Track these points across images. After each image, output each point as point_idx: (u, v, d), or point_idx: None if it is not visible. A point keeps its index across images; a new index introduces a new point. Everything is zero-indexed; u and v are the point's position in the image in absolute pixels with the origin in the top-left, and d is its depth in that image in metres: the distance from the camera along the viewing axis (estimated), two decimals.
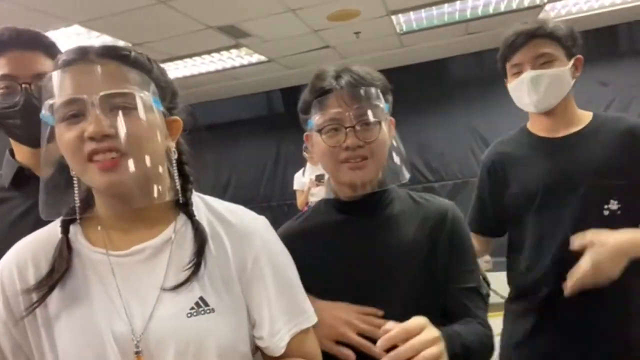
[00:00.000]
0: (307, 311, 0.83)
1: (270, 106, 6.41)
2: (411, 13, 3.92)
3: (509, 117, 5.62)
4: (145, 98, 0.72)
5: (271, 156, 6.27)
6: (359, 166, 0.95)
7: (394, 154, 1.00)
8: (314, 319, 0.83)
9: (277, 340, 0.78)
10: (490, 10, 4.08)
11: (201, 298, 0.74)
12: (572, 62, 1.32)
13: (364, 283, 0.97)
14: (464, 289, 0.99)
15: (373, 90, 0.96)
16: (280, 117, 6.36)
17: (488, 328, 0.99)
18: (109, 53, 0.72)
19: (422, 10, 3.87)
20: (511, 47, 1.32)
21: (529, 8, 4.13)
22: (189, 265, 0.74)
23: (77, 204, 0.74)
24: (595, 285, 1.12)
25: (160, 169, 0.74)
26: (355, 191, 0.99)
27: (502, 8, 4.06)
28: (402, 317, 0.80)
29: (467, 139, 5.28)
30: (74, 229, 0.77)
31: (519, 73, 1.32)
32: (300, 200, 4.58)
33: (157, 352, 0.70)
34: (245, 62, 4.75)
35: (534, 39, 1.29)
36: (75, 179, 0.73)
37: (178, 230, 0.78)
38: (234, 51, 4.37)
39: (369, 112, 0.94)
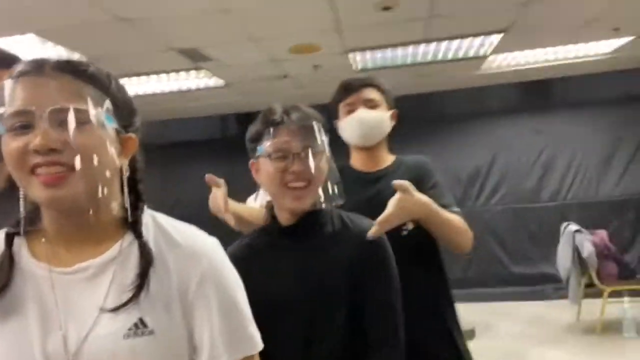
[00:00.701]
0: (253, 337, 0.81)
1: (224, 129, 6.45)
2: (367, 53, 4.15)
3: (449, 152, 5.98)
4: (97, 114, 0.71)
5: (222, 178, 6.29)
6: (302, 195, 1.09)
7: (329, 182, 1.16)
8: (259, 346, 0.82)
9: None
10: (439, 57, 4.39)
11: (140, 319, 0.72)
12: (390, 112, 1.58)
13: (304, 304, 1.07)
14: (383, 311, 1.09)
15: (316, 125, 1.12)
16: (234, 140, 6.40)
17: (396, 350, 1.09)
18: (66, 67, 0.72)
19: (378, 51, 4.11)
20: (347, 91, 1.56)
21: (473, 58, 4.48)
22: (131, 287, 0.72)
23: (22, 216, 0.73)
24: (400, 222, 1.28)
25: (107, 187, 0.73)
26: (295, 217, 1.14)
27: (450, 56, 4.39)
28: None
29: None
30: (19, 242, 0.76)
31: (352, 111, 1.54)
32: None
33: None
34: (202, 84, 4.79)
35: (366, 87, 1.55)
36: (21, 191, 0.72)
37: (124, 249, 0.76)
38: (192, 72, 4.42)
39: (313, 143, 1.10)
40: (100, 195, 0.72)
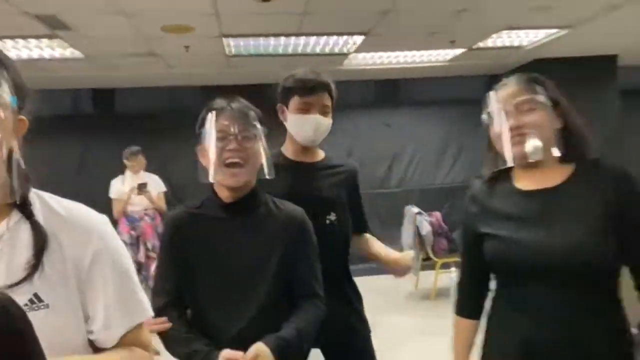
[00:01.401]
0: (142, 303, 0.87)
1: (77, 106, 5.93)
2: (241, 39, 4.24)
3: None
4: (4, 95, 0.74)
5: (74, 159, 5.78)
6: (238, 173, 1.25)
7: (264, 164, 1.33)
8: (149, 312, 0.88)
9: (110, 332, 0.81)
10: (308, 50, 4.67)
11: (35, 294, 0.74)
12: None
13: (236, 274, 1.27)
14: (309, 275, 1.36)
15: (253, 113, 1.32)
16: (88, 118, 5.94)
17: (321, 300, 1.36)
18: None
19: (252, 38, 4.23)
20: (307, 90, 1.60)
21: (338, 54, 4.87)
22: (26, 266, 0.74)
23: None
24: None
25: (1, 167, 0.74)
26: (235, 195, 1.30)
27: (318, 50, 4.71)
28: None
29: None
30: None
31: (306, 111, 1.61)
32: (117, 209, 4.39)
33: None
34: (57, 54, 4.37)
35: (325, 92, 1.63)
36: None
37: (10, 227, 0.77)
38: (45, 41, 4.01)
39: (249, 129, 1.28)
40: None
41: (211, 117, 1.27)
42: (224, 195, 1.32)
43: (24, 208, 0.78)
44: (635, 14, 3.77)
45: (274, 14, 3.57)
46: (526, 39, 4.65)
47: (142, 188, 4.32)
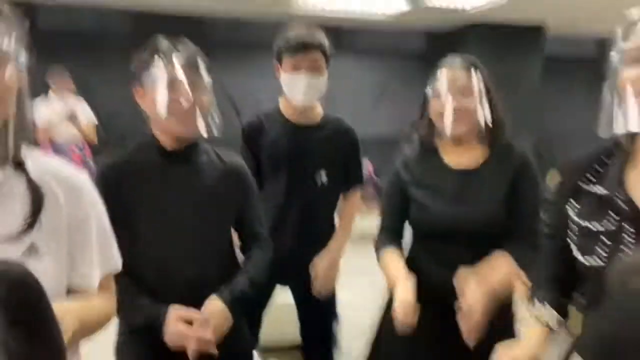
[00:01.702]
0: (115, 256, 0.96)
1: None
2: None
3: (254, 80, 6.03)
4: (16, 52, 0.78)
5: None
6: (187, 118, 1.18)
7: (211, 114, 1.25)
8: (119, 264, 0.97)
9: (91, 280, 0.89)
10: None
11: (32, 244, 0.79)
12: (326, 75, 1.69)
13: (179, 219, 1.25)
14: (253, 220, 1.41)
15: (201, 61, 1.23)
16: None
17: (266, 241, 1.43)
18: None
19: None
20: (291, 48, 1.61)
21: None
22: (24, 222, 0.78)
23: None
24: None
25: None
26: (179, 144, 1.25)
27: None
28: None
29: None
30: None
31: (298, 68, 1.62)
32: (43, 137, 4.10)
33: None
34: None
35: (317, 50, 1.62)
36: None
37: (5, 179, 0.80)
38: None
39: (199, 76, 1.21)
40: None
41: (159, 62, 1.17)
42: (167, 142, 1.25)
43: (18, 164, 0.81)
44: None
45: None
46: (469, 2, 4.83)
47: (73, 119, 4.07)
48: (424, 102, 1.41)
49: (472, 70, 1.35)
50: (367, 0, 4.88)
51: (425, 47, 6.56)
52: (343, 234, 1.85)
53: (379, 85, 6.53)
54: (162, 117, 1.18)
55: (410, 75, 6.38)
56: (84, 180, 0.91)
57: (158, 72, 1.17)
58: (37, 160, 0.85)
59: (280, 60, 1.67)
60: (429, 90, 1.39)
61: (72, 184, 0.88)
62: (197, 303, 1.22)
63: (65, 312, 0.74)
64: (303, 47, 1.61)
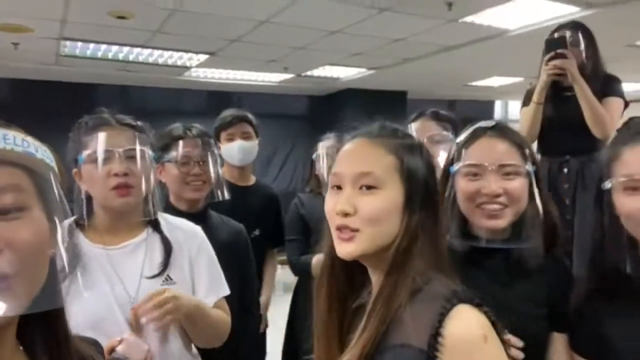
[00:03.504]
0: (224, 284, 1.30)
1: None
2: (79, 43, 4.12)
3: None
4: (149, 153, 1.22)
5: None
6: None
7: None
8: (227, 290, 1.29)
9: (209, 299, 1.23)
10: (150, 60, 4.75)
11: (168, 275, 1.17)
12: (257, 140, 2.15)
13: None
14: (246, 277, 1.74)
15: (211, 141, 1.66)
16: None
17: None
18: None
19: (92, 44, 4.15)
20: (225, 124, 2.12)
21: (180, 67, 5.05)
22: (161, 263, 1.18)
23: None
24: None
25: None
26: (193, 207, 1.60)
27: (160, 62, 4.82)
28: None
29: None
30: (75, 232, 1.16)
31: (231, 140, 2.09)
32: None
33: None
34: None
35: (244, 122, 2.12)
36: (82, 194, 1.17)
37: (148, 236, 1.21)
38: None
39: (210, 155, 1.61)
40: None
41: (176, 144, 1.57)
42: (184, 207, 1.61)
43: (156, 225, 1.22)
44: (421, 65, 4.96)
45: (125, 28, 3.64)
46: (343, 73, 5.59)
47: None
48: (311, 163, 1.89)
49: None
50: (253, 71, 5.38)
51: (308, 109, 7.24)
52: (268, 289, 2.22)
53: (270, 145, 6.98)
54: (179, 186, 1.59)
55: (296, 135, 6.97)
56: (196, 229, 1.31)
57: (175, 152, 1.57)
58: (166, 220, 1.26)
59: (219, 137, 2.10)
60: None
61: (189, 232, 1.28)
62: None
63: (185, 297, 1.12)
64: (233, 121, 2.11)
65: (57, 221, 0.56)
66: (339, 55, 4.68)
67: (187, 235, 1.27)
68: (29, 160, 0.56)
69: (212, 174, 1.62)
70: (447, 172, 1.09)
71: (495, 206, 1.01)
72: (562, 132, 2.01)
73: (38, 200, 0.56)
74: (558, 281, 1.07)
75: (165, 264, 1.18)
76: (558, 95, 2.03)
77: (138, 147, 1.15)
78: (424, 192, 0.82)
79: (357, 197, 0.79)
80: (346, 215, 0.78)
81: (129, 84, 5.75)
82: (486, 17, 3.55)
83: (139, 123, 1.23)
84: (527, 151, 1.06)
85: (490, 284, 1.01)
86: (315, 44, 4.23)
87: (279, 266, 2.31)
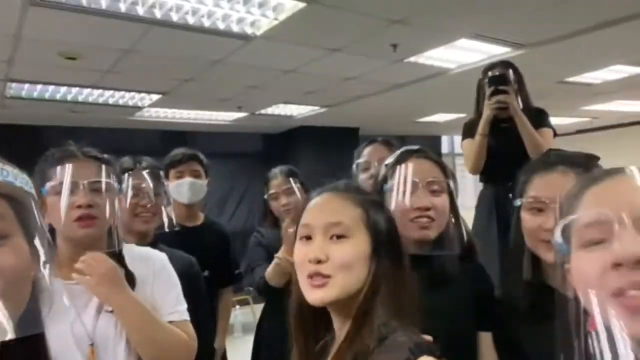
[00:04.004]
0: (183, 306, 1.26)
1: None
2: (26, 84, 4.04)
3: None
4: (115, 185, 1.21)
5: None
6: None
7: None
8: (187, 314, 1.25)
9: (169, 317, 1.19)
10: (100, 100, 4.69)
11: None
12: (207, 180, 2.17)
13: None
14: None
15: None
16: None
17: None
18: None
19: (40, 85, 4.07)
20: (175, 162, 2.11)
21: (131, 107, 5.01)
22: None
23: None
24: None
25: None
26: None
27: (111, 102, 4.77)
28: None
29: None
30: None
31: (181, 177, 2.09)
32: None
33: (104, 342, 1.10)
34: None
35: (193, 160, 2.11)
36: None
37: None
38: None
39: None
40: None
41: (127, 177, 1.57)
42: (132, 240, 1.55)
43: (120, 258, 1.18)
44: (371, 103, 5.16)
45: (75, 68, 3.61)
46: (297, 111, 5.72)
47: None
48: (265, 202, 1.96)
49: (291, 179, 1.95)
50: (207, 110, 5.41)
51: (263, 147, 7.30)
52: (224, 328, 2.20)
53: (225, 184, 6.95)
54: (130, 218, 1.59)
55: (252, 173, 6.99)
56: (158, 256, 1.31)
57: (123, 185, 1.51)
58: (130, 251, 1.24)
59: (167, 175, 2.05)
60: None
61: (149, 260, 1.27)
62: None
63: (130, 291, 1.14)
64: (182, 159, 2.10)
65: (38, 246, 0.58)
66: (292, 93, 4.81)
67: (148, 262, 1.26)
68: (8, 188, 0.57)
69: (163, 206, 1.63)
70: (379, 191, 1.19)
71: (424, 219, 1.12)
72: (504, 161, 2.16)
73: (19, 227, 0.57)
74: (480, 285, 1.20)
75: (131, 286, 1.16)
76: (496, 127, 2.19)
77: (103, 180, 1.15)
78: (388, 243, 0.88)
79: (329, 246, 0.84)
80: (319, 262, 0.83)
81: (78, 125, 5.63)
82: (428, 58, 3.79)
83: (105, 156, 1.23)
84: (447, 170, 1.20)
85: (423, 288, 1.09)
86: (268, 83, 4.34)
87: (238, 307, 2.27)
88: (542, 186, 1.08)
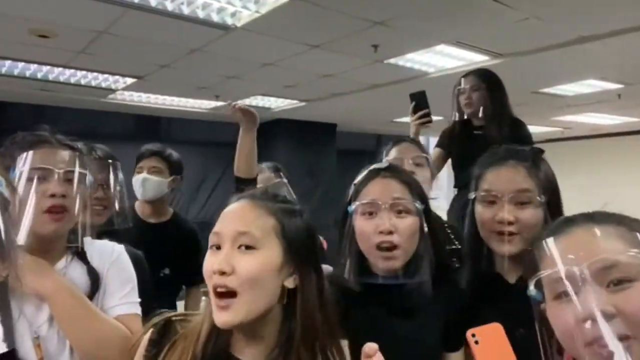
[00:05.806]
0: (137, 303, 1.16)
1: None
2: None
3: None
4: (89, 175, 1.13)
5: None
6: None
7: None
8: (139, 311, 1.14)
9: (114, 310, 1.10)
10: (72, 80, 4.54)
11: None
12: (171, 178, 2.04)
13: None
14: None
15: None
16: None
17: None
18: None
19: (8, 61, 3.92)
20: (138, 157, 2.05)
21: (104, 89, 4.87)
22: (88, 294, 1.06)
23: None
24: None
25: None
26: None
27: (83, 82, 4.62)
28: None
29: None
30: None
31: (140, 173, 2.01)
32: None
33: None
34: None
35: (154, 156, 2.03)
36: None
37: (68, 263, 1.08)
38: None
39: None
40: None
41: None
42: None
43: (82, 255, 1.10)
44: (350, 100, 5.17)
45: (48, 46, 3.49)
46: (275, 104, 5.68)
47: None
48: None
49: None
50: (183, 97, 5.32)
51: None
52: None
53: (199, 172, 6.85)
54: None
55: (227, 162, 6.90)
56: (114, 248, 1.19)
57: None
58: (89, 243, 1.14)
59: (133, 171, 2.05)
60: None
61: (104, 253, 1.16)
62: None
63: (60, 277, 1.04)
64: (143, 155, 2.06)
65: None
66: (271, 86, 4.77)
67: (104, 255, 1.15)
68: None
69: (116, 199, 1.49)
70: (345, 212, 1.13)
71: (387, 250, 1.04)
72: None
73: None
74: (452, 306, 1.12)
75: (91, 297, 1.07)
76: (469, 134, 2.22)
77: (77, 170, 1.05)
78: (305, 254, 0.84)
79: (236, 257, 0.79)
80: (223, 274, 0.77)
81: (48, 103, 5.45)
82: (408, 60, 3.81)
83: (78, 145, 1.12)
84: (417, 190, 1.11)
85: (390, 319, 1.07)
86: (247, 74, 4.28)
87: (203, 298, 2.20)
88: (494, 180, 1.13)
